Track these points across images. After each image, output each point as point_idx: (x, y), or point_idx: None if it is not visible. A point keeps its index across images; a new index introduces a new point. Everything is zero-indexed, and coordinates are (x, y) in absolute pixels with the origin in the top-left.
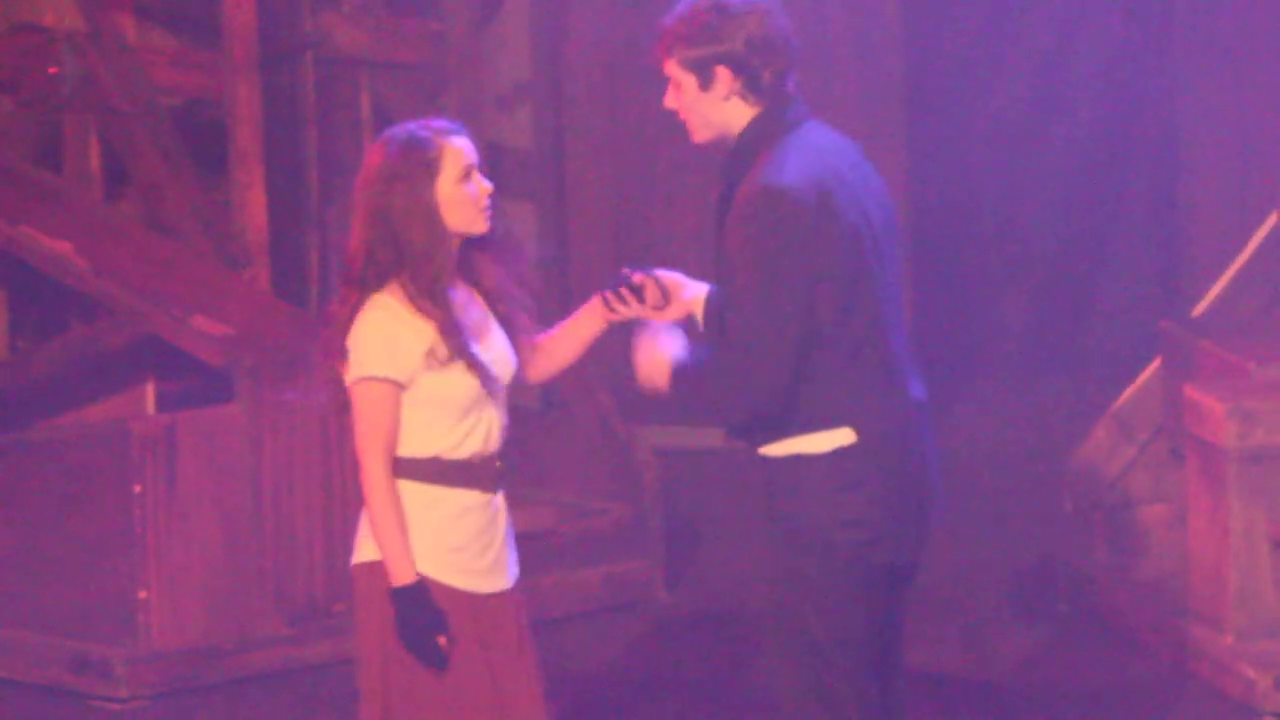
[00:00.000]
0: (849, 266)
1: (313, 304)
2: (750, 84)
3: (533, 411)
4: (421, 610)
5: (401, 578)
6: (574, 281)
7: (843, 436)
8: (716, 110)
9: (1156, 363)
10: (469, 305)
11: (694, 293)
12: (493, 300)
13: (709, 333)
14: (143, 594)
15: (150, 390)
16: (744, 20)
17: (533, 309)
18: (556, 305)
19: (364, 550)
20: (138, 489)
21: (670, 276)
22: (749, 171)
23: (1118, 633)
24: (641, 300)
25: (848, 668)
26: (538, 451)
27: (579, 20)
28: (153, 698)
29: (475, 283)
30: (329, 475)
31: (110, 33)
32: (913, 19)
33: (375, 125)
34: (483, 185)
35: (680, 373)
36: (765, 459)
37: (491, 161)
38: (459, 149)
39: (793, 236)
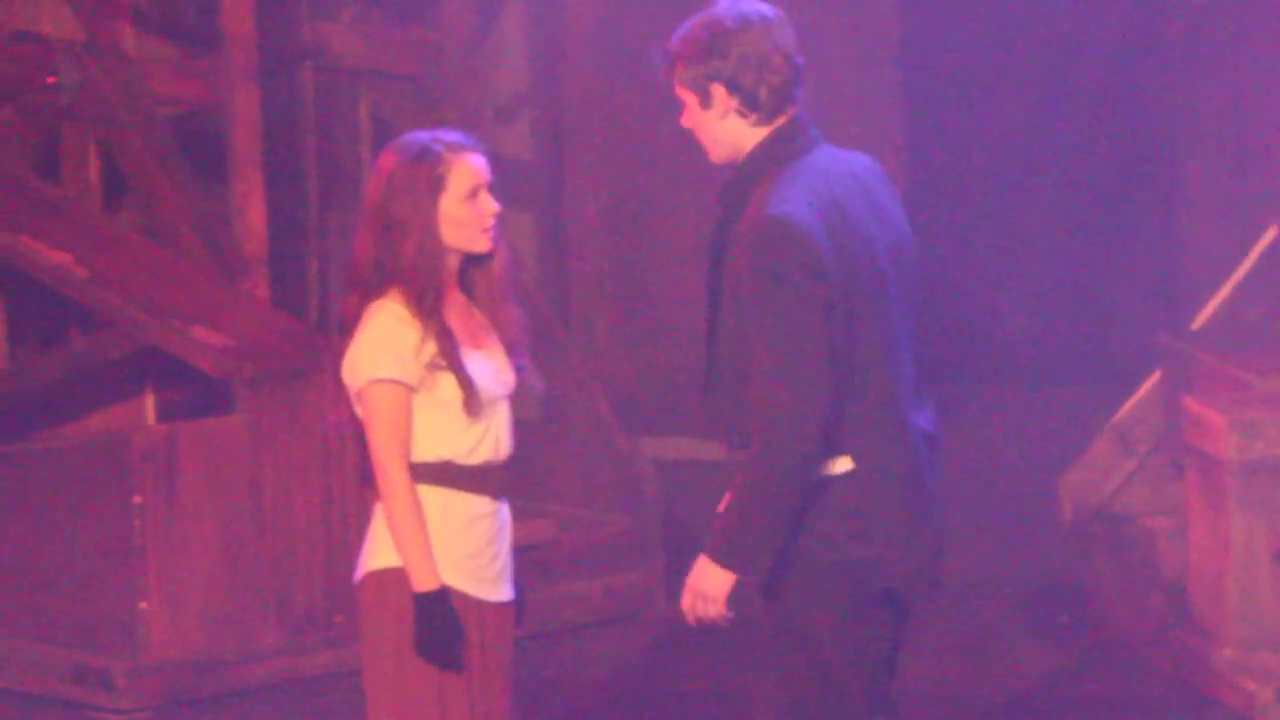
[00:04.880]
0: (850, 296)
1: (312, 314)
2: (747, 101)
3: (533, 423)
4: (444, 617)
5: (425, 583)
6: (572, 291)
7: (836, 465)
8: (719, 129)
9: (1156, 375)
10: (468, 316)
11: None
12: (490, 314)
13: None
14: (143, 605)
15: (150, 401)
16: (739, 37)
17: (528, 325)
18: (555, 316)
19: (375, 558)
20: (137, 500)
21: None
22: (750, 198)
23: (1117, 645)
24: None
25: (828, 695)
26: (538, 463)
27: (576, 30)
28: (152, 708)
29: (474, 297)
30: (329, 486)
31: (109, 42)
32: (912, 26)
33: (374, 135)
34: (489, 205)
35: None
36: None
37: None
38: (471, 167)
39: (797, 265)
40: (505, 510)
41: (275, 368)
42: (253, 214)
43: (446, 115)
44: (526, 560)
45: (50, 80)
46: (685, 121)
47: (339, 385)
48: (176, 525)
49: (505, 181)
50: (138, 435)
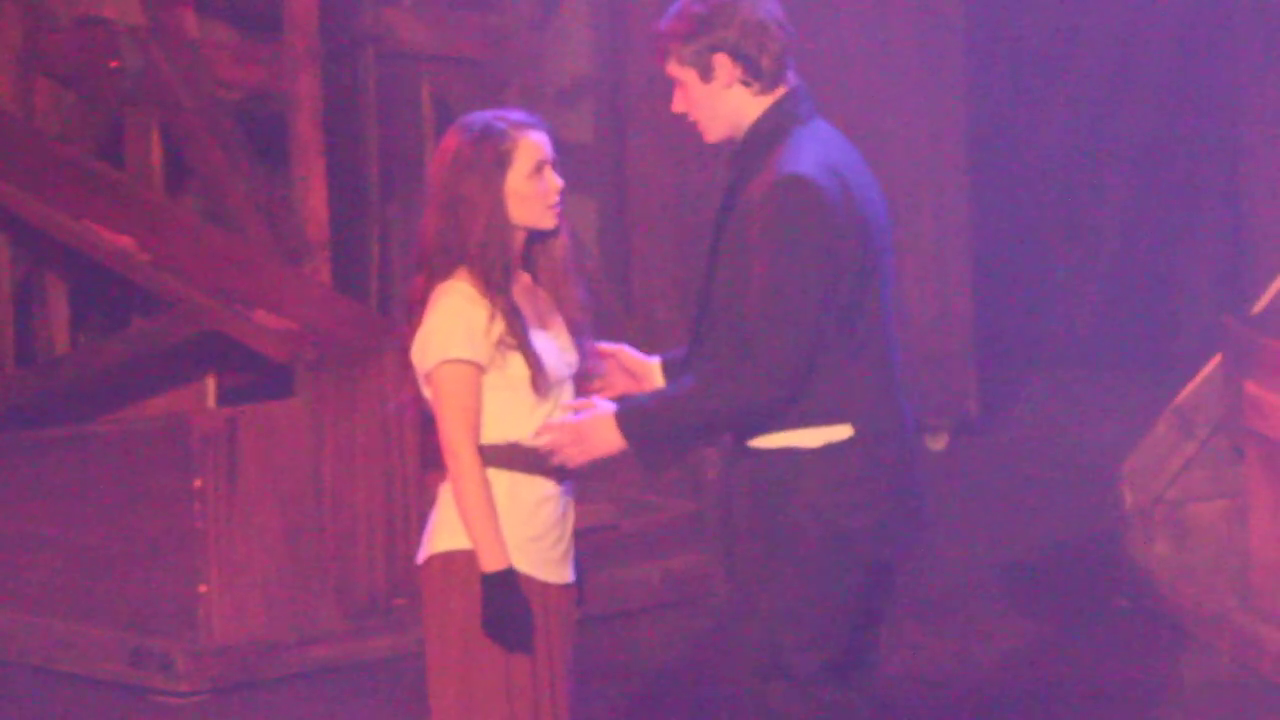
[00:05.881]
0: (861, 262)
1: (373, 297)
2: (750, 69)
3: None
4: (513, 597)
5: (495, 563)
6: (634, 276)
7: (838, 432)
8: (722, 101)
9: (1217, 358)
10: (534, 297)
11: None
12: (554, 295)
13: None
14: (203, 588)
15: (211, 384)
16: (736, 6)
17: (591, 305)
18: (617, 300)
19: (441, 540)
20: (198, 484)
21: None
22: (763, 163)
23: (1178, 629)
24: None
25: (823, 660)
26: None
27: (639, 14)
28: (212, 692)
29: (537, 277)
30: (390, 470)
31: (172, 27)
32: (977, 19)
33: (436, 119)
34: (554, 182)
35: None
36: (754, 451)
37: None
38: (535, 143)
39: (816, 224)
40: (569, 493)
41: (336, 351)
42: (314, 198)
43: (509, 99)
44: (587, 543)
45: (113, 65)
46: (679, 104)
47: (405, 367)
48: (237, 509)
49: (568, 166)
50: (198, 419)
